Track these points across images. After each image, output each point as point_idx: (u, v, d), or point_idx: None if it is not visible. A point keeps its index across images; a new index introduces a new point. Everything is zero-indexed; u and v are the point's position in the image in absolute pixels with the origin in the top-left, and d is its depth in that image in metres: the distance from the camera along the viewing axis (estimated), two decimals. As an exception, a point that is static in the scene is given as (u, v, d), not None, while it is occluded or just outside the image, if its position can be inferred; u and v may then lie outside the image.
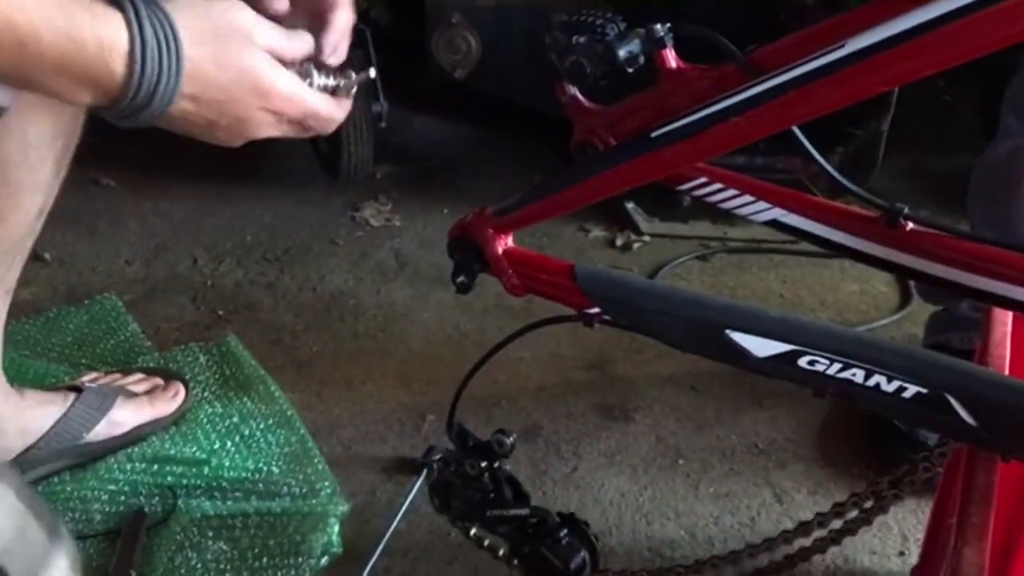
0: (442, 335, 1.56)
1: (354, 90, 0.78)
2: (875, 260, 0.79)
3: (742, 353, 0.68)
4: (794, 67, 0.59)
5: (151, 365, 1.38)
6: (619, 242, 1.85)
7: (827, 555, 1.06)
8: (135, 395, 1.24)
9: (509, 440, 0.85)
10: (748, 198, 0.84)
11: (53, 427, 1.14)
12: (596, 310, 0.72)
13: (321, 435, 1.30)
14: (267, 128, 0.68)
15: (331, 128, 0.73)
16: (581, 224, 1.90)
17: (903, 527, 1.19)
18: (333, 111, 0.73)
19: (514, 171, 2.09)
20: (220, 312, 1.59)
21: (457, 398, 0.90)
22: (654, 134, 0.64)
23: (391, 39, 2.17)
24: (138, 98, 0.62)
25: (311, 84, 0.73)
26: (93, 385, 1.21)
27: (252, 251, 1.78)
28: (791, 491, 1.25)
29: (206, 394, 1.34)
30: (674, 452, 1.32)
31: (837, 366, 0.67)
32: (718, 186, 0.84)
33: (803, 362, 0.68)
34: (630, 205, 1.90)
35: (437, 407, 1.39)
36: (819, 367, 0.67)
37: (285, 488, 1.20)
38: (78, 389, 1.19)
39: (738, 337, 0.68)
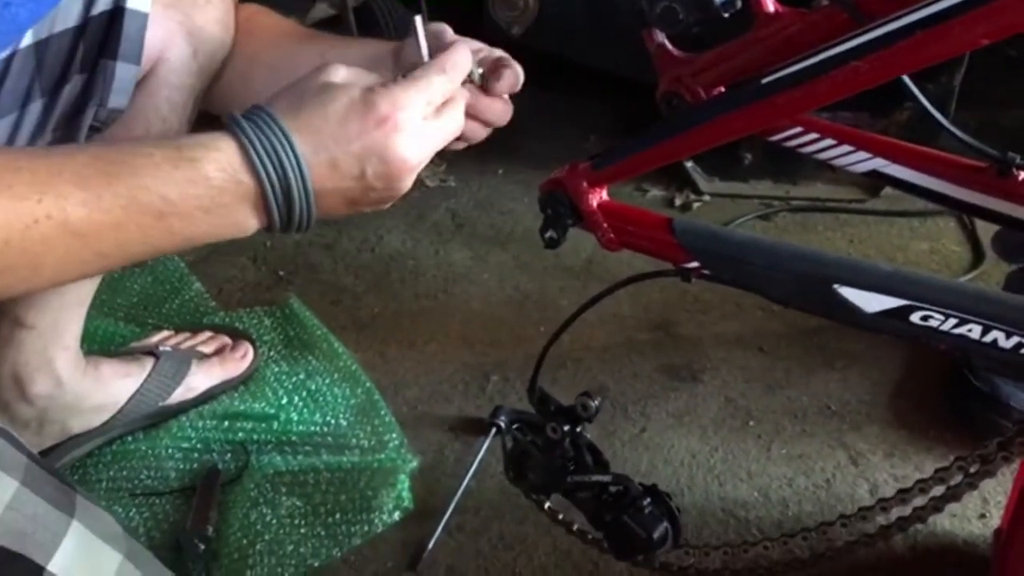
0: (502, 296, 1.54)
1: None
2: (984, 212, 0.76)
3: (851, 309, 0.66)
4: (923, 6, 0.55)
5: (217, 322, 1.38)
6: (678, 202, 1.81)
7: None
8: (206, 356, 1.24)
9: (594, 403, 0.83)
10: (846, 148, 0.81)
11: (131, 398, 1.15)
12: (695, 264, 0.69)
13: (387, 395, 1.29)
14: (414, 147, 0.62)
15: (460, 123, 0.68)
16: (639, 184, 1.86)
17: (983, 490, 1.16)
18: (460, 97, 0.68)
19: (568, 132, 2.06)
20: (281, 273, 1.58)
21: (541, 361, 0.88)
22: (765, 80, 0.61)
23: (445, -3, 2.14)
24: (276, 185, 0.60)
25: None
26: (167, 349, 1.21)
27: (309, 212, 1.77)
28: (866, 453, 1.22)
29: (272, 354, 1.34)
30: (744, 413, 1.29)
31: (952, 322, 0.64)
32: (814, 136, 0.81)
33: (916, 318, 0.65)
34: (689, 164, 1.86)
35: (500, 368, 1.38)
36: (933, 323, 0.65)
37: (354, 441, 1.20)
38: (152, 353, 1.20)
39: (847, 292, 0.65)
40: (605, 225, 0.72)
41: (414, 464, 1.14)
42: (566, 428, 0.87)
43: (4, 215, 0.53)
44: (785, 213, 1.78)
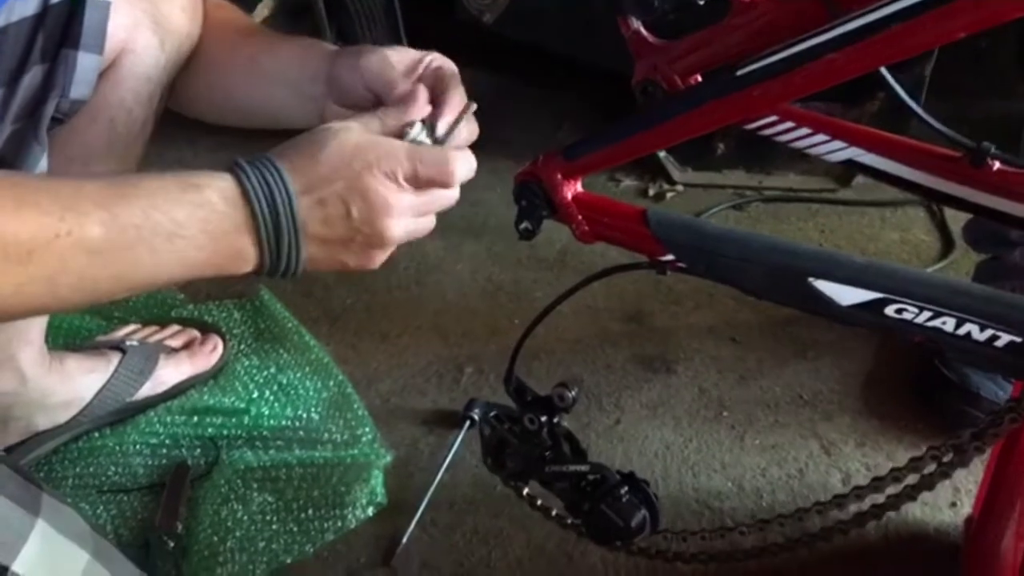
0: (476, 287, 1.53)
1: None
2: (957, 201, 0.76)
3: (825, 301, 0.65)
4: (901, -3, 0.55)
5: (185, 315, 1.36)
6: (651, 192, 1.81)
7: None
8: (175, 351, 1.22)
9: (571, 394, 0.83)
10: (822, 137, 0.80)
11: (98, 394, 1.13)
12: (670, 257, 0.69)
13: (359, 388, 1.28)
14: (393, 195, 0.65)
15: (453, 179, 0.70)
16: (612, 174, 1.86)
17: (954, 478, 1.16)
18: (451, 159, 0.69)
19: (541, 121, 2.05)
20: (250, 264, 1.56)
21: (516, 352, 0.88)
22: (740, 72, 0.60)
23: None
24: (267, 214, 0.62)
25: (416, 141, 0.69)
26: (134, 343, 1.19)
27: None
28: (838, 443, 1.23)
29: (242, 347, 1.32)
30: (717, 404, 1.29)
31: (927, 314, 0.64)
32: (789, 124, 0.80)
33: (890, 311, 0.65)
34: (662, 154, 1.86)
35: (475, 360, 1.37)
36: (907, 316, 0.65)
37: (326, 435, 1.19)
38: (119, 347, 1.17)
39: (822, 285, 0.65)
40: (580, 217, 0.71)
41: (388, 459, 1.13)
42: (543, 418, 0.86)
43: (32, 228, 0.54)
44: (758, 203, 1.79)
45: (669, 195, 1.80)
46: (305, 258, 0.64)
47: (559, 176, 0.70)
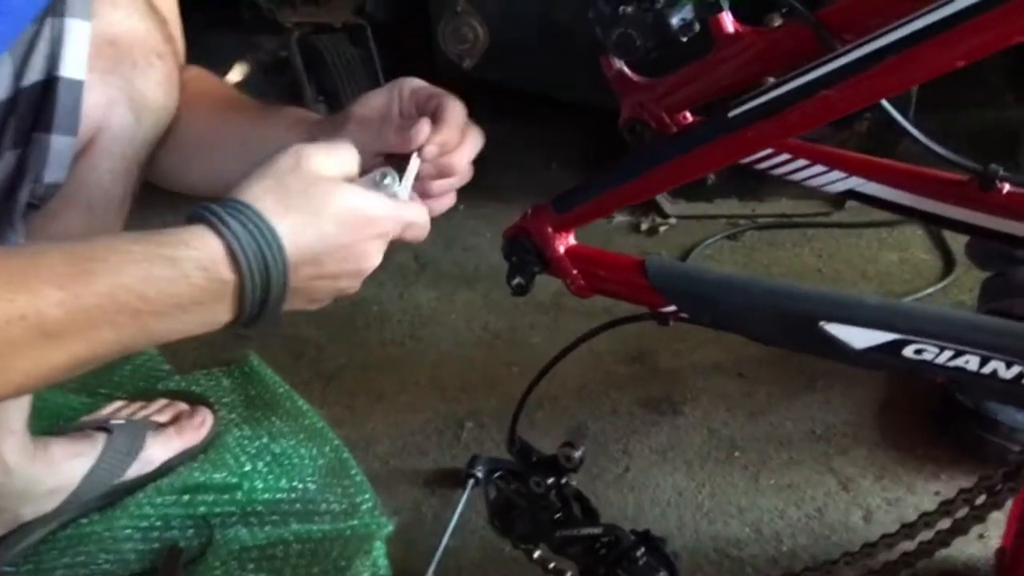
0: (472, 337, 1.49)
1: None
2: (967, 227, 0.73)
3: (839, 346, 0.62)
4: (896, 28, 0.51)
5: (172, 387, 1.31)
6: (644, 226, 1.78)
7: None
8: (162, 426, 1.18)
9: (577, 454, 0.78)
10: (820, 168, 0.77)
11: (85, 479, 1.08)
12: (672, 308, 0.65)
13: (356, 451, 1.23)
14: (377, 255, 0.65)
15: (425, 235, 0.69)
16: (603, 211, 1.82)
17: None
18: (425, 216, 0.69)
19: (529, 162, 2.03)
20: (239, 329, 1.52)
21: (518, 411, 0.84)
22: (732, 113, 0.57)
23: (394, 34, 2.11)
24: (258, 287, 0.59)
25: (395, 195, 0.68)
26: (120, 421, 1.15)
27: (265, 262, 1.71)
28: (856, 477, 1.18)
29: (232, 417, 1.27)
30: (728, 444, 1.25)
31: (948, 354, 0.60)
32: (785, 157, 0.77)
33: (909, 352, 0.61)
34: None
35: (475, 414, 1.32)
36: (927, 356, 0.61)
37: (323, 506, 1.14)
38: (104, 428, 1.13)
39: (834, 328, 0.61)
40: (574, 271, 0.67)
41: (389, 528, 1.08)
42: (550, 481, 0.82)
43: None
44: (752, 231, 1.76)
45: (662, 229, 1.77)
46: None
47: (549, 229, 0.66)
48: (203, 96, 0.86)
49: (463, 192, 1.94)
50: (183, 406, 1.24)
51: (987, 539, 1.09)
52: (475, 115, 2.33)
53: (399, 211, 0.65)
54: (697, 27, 0.74)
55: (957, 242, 1.62)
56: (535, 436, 1.32)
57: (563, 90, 1.85)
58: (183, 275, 0.57)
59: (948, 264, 1.61)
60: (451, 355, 1.45)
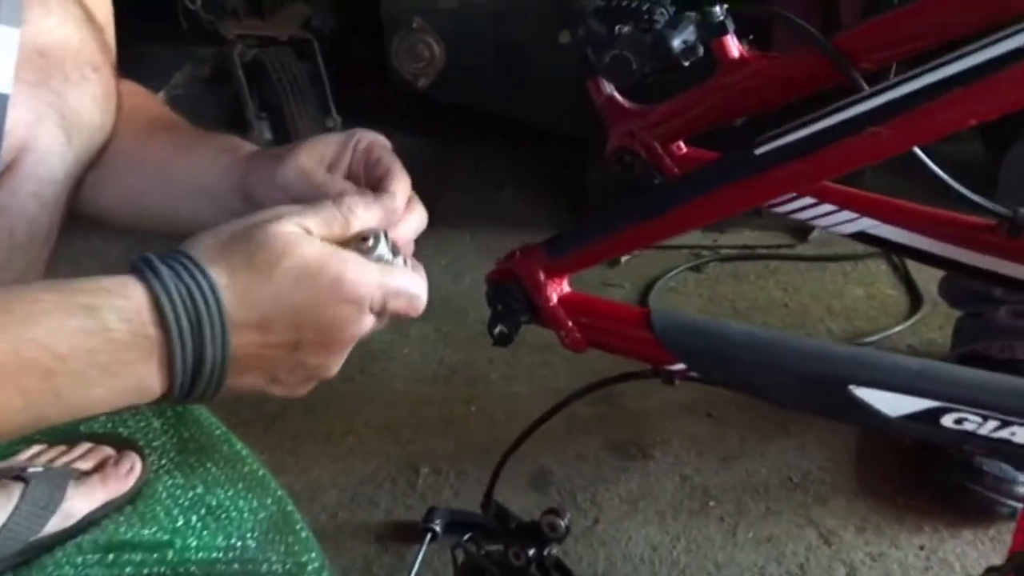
0: (427, 372, 1.40)
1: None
2: (993, 275, 0.67)
3: (871, 412, 0.55)
4: (964, 56, 0.45)
5: (97, 430, 1.19)
6: (605, 257, 1.71)
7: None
8: (85, 474, 1.05)
9: (563, 522, 0.70)
10: (828, 207, 0.71)
11: None
12: (680, 366, 0.57)
13: (301, 503, 1.12)
14: (353, 326, 0.53)
15: (421, 308, 0.57)
16: (561, 239, 1.75)
17: (964, 562, 1.08)
18: (419, 284, 0.57)
19: (481, 185, 1.96)
20: (171, 362, 1.40)
21: (496, 474, 0.75)
22: (759, 151, 0.50)
23: (345, 48, 2.02)
24: (188, 347, 0.49)
25: (381, 259, 0.56)
26: (38, 469, 1.02)
27: (202, 289, 1.59)
28: (837, 530, 1.12)
29: (163, 463, 1.15)
30: (702, 493, 1.18)
31: (993, 424, 0.54)
32: (790, 194, 0.71)
33: (948, 421, 0.54)
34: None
35: (431, 458, 1.23)
36: (969, 426, 0.54)
37: (265, 566, 1.02)
38: (20, 477, 1.00)
39: (865, 394, 0.54)
40: (569, 323, 0.59)
41: (339, 591, 0.98)
42: (531, 552, 0.73)
43: None
44: (716, 263, 1.70)
45: (624, 259, 1.70)
46: (224, 389, 0.51)
47: (541, 275, 0.58)
48: (129, 112, 0.76)
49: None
50: (109, 451, 1.11)
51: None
52: (425, 135, 2.25)
53: (382, 275, 0.54)
54: (701, 50, 0.67)
55: (922, 278, 1.59)
56: (498, 486, 1.24)
57: (519, 112, 1.79)
58: (102, 327, 0.47)
59: (915, 300, 1.57)
60: (404, 393, 1.36)
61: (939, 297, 1.40)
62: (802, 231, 1.75)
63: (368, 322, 0.52)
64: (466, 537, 0.78)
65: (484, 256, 1.62)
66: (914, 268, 1.63)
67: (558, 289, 0.59)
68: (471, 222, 1.82)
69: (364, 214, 0.56)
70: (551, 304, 0.59)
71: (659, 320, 0.57)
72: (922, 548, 1.09)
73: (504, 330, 0.62)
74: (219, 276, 0.49)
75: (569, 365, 1.38)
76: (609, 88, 0.74)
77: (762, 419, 1.30)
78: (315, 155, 0.64)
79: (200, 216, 0.68)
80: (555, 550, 0.74)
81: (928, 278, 1.57)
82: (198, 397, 0.51)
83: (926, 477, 1.16)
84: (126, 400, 0.49)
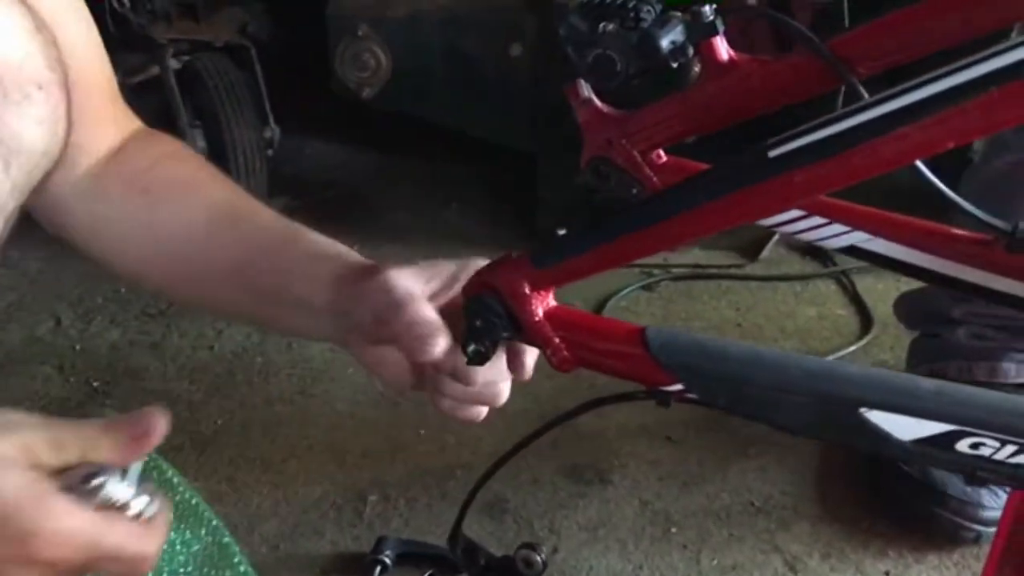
0: (373, 394, 1.33)
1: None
2: (989, 292, 0.64)
3: (881, 436, 0.51)
4: (1004, 51, 0.41)
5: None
6: (555, 275, 1.67)
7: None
8: None
9: (539, 557, 0.65)
10: (817, 220, 0.67)
11: None
12: (678, 387, 0.53)
13: (239, 534, 1.05)
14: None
15: (142, 572, 0.49)
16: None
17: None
18: (144, 544, 0.49)
19: (428, 200, 1.90)
20: (95, 383, 1.30)
21: (465, 508, 0.69)
22: (773, 153, 0.46)
23: (284, 56, 1.94)
24: None
25: (110, 502, 0.47)
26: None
27: (129, 305, 1.50)
28: (802, 556, 1.09)
29: (87, 493, 1.06)
30: (664, 519, 1.13)
31: (1011, 448, 0.50)
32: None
33: (963, 446, 0.51)
34: (561, 232, 1.72)
35: (378, 484, 1.16)
36: (985, 451, 0.51)
37: (198, 606, 0.95)
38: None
39: (877, 417, 0.50)
40: (556, 340, 0.54)
41: (282, 632, 0.91)
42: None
43: None
44: (667, 282, 1.67)
45: (574, 277, 1.66)
46: None
47: (526, 288, 0.53)
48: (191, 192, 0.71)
49: (357, 231, 1.78)
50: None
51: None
52: (368, 147, 2.17)
53: (95, 532, 0.44)
54: (690, 51, 0.63)
55: (871, 297, 1.59)
56: (446, 509, 1.17)
57: (468, 126, 1.74)
58: None
59: (866, 320, 1.57)
60: (349, 415, 1.29)
61: (889, 318, 1.40)
62: (752, 250, 1.73)
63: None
64: (428, 574, 0.72)
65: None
66: (863, 288, 1.62)
67: (544, 303, 0.54)
68: (416, 239, 1.77)
69: (106, 442, 0.47)
70: (536, 319, 0.54)
71: (655, 338, 0.52)
72: (887, 574, 1.06)
73: (480, 348, 0.56)
74: None
75: (516, 387, 1.33)
76: (587, 92, 0.70)
77: (721, 443, 1.26)
78: (423, 282, 0.60)
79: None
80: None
81: (877, 298, 1.58)
82: None
83: (888, 500, 1.14)
84: None
